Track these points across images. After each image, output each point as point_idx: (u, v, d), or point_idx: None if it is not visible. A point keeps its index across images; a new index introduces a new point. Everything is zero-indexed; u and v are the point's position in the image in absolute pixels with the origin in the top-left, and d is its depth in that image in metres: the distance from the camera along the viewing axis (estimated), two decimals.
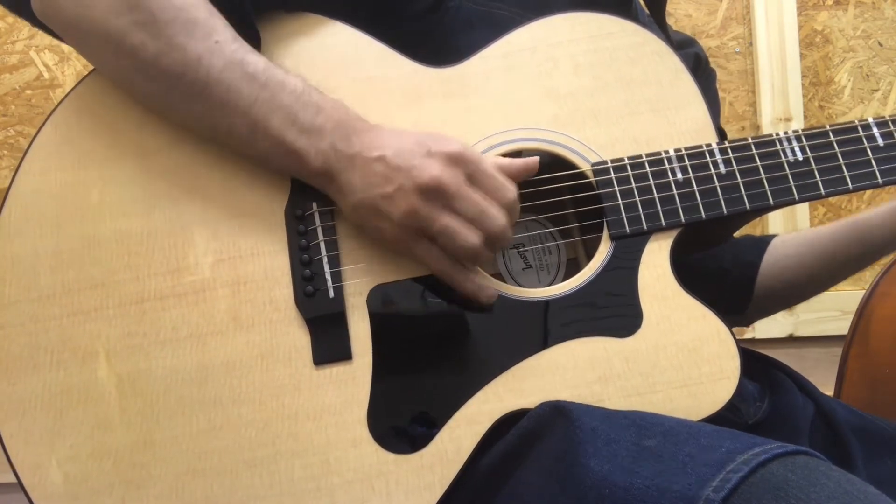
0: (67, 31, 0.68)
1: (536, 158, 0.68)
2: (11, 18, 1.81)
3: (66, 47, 1.80)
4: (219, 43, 0.65)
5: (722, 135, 0.76)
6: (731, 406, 0.65)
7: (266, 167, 0.68)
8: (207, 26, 0.65)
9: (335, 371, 0.65)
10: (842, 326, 1.08)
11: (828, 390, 0.90)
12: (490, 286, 0.67)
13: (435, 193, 0.63)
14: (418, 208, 0.62)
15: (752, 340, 1.65)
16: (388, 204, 0.63)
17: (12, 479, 0.63)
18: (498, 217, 0.64)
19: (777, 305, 0.95)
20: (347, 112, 0.66)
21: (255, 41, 0.69)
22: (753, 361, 0.89)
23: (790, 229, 1.69)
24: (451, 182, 0.63)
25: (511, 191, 0.65)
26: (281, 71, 0.66)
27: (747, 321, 0.97)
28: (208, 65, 0.64)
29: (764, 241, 0.94)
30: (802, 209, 1.69)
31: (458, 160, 0.64)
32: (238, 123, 0.65)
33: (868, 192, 1.73)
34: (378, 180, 0.63)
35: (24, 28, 1.81)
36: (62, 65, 1.82)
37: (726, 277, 0.92)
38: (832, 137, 0.72)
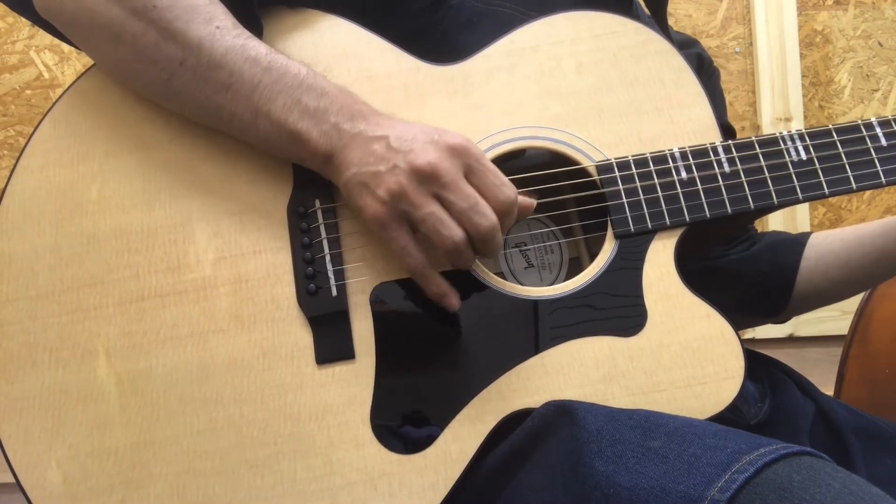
0: (69, 24, 0.67)
1: (534, 202, 0.66)
2: (12, 18, 1.81)
3: (66, 47, 1.79)
4: (220, 28, 0.64)
5: (729, 132, 0.76)
6: (732, 406, 0.64)
7: (268, 151, 0.67)
8: (207, 12, 0.64)
9: (338, 370, 0.64)
10: (842, 326, 1.09)
11: (828, 390, 0.90)
12: (454, 295, 0.65)
13: (428, 179, 0.61)
14: (407, 190, 0.61)
15: (753, 340, 1.65)
16: (377, 181, 0.61)
17: (11, 479, 0.62)
18: (488, 216, 0.62)
19: (818, 303, 0.93)
20: (353, 97, 0.65)
21: (257, 34, 0.68)
22: (754, 362, 0.88)
23: (790, 228, 1.69)
24: (446, 170, 0.61)
25: (509, 190, 0.63)
26: (283, 56, 0.65)
27: (784, 319, 0.95)
28: (209, 49, 0.63)
29: (800, 242, 0.92)
30: (802, 208, 1.70)
31: (459, 152, 0.62)
32: (240, 107, 0.64)
33: (868, 191, 1.73)
34: (373, 159, 0.62)
35: (24, 28, 1.81)
36: (62, 65, 1.81)
37: (765, 281, 0.91)
38: (836, 137, 0.72)
